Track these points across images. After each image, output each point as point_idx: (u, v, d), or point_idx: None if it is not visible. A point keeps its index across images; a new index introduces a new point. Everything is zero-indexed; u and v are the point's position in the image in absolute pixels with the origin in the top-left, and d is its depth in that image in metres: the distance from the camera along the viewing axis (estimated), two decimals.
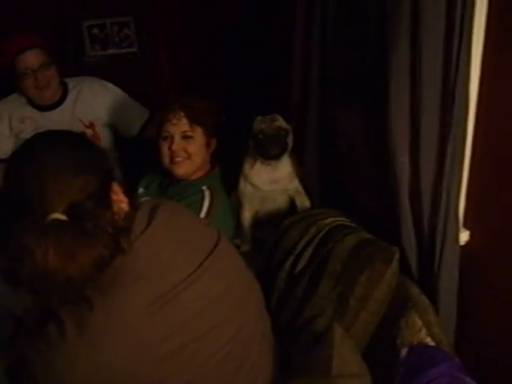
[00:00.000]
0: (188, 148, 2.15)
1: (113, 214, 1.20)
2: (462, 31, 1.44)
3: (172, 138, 2.15)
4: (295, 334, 1.64)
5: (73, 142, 1.28)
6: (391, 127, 1.64)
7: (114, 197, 1.24)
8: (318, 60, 2.14)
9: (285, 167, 2.27)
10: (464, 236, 1.72)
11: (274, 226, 2.08)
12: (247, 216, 2.34)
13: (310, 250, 1.79)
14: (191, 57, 3.55)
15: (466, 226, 1.73)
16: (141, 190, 2.37)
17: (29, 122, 2.64)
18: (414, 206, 1.69)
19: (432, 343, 1.49)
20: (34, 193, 1.14)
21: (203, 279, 1.26)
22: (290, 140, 2.21)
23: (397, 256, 1.60)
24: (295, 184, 2.31)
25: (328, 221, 1.86)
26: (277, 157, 2.21)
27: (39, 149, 1.22)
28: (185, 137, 2.16)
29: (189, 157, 2.17)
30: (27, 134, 2.43)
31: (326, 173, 2.28)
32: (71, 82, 2.73)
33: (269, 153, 2.19)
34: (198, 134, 2.18)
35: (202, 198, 2.11)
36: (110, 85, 2.78)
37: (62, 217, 1.10)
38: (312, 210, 2.10)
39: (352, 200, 2.11)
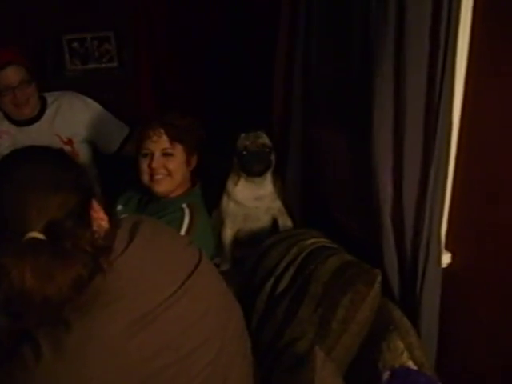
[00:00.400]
0: (168, 165, 2.13)
1: (92, 232, 1.16)
2: (446, 51, 1.44)
3: (152, 155, 2.13)
4: (276, 356, 1.62)
5: (52, 158, 1.25)
6: (374, 148, 1.64)
7: (94, 214, 1.21)
8: (300, 79, 2.14)
9: (268, 185, 2.28)
10: (446, 258, 1.72)
11: (255, 245, 2.07)
12: (228, 234, 2.32)
13: (291, 271, 1.77)
14: (172, 72, 3.53)
15: (447, 248, 1.73)
16: (119, 207, 2.34)
17: (6, 136, 2.59)
18: (397, 227, 1.68)
19: (414, 367, 1.47)
20: (11, 210, 1.11)
21: (184, 300, 1.24)
22: (273, 158, 2.21)
23: (379, 278, 1.59)
24: (278, 203, 2.31)
25: (309, 242, 1.85)
26: (260, 174, 2.21)
27: (17, 164, 1.19)
28: (165, 154, 2.13)
29: (169, 174, 2.14)
30: (4, 148, 2.38)
31: (308, 192, 2.27)
32: (50, 97, 2.70)
33: (252, 170, 2.19)
34: (179, 151, 2.15)
35: (182, 216, 2.08)
36: (89, 100, 2.75)
37: (40, 236, 1.07)
38: (293, 230, 2.09)
39: (334, 220, 2.11)
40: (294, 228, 2.26)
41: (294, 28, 2.11)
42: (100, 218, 1.22)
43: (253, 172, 2.20)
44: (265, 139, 2.20)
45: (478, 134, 1.59)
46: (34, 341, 1.09)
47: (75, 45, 3.49)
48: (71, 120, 2.68)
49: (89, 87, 3.01)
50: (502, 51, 1.45)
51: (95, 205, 1.22)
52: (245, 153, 2.18)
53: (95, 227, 1.20)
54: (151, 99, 3.53)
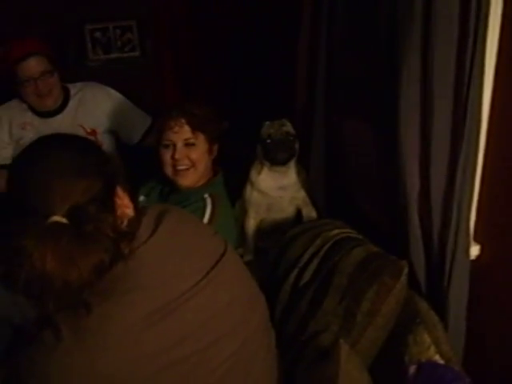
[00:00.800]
0: (191, 155, 2.11)
1: (115, 218, 1.16)
2: (476, 42, 1.40)
3: (174, 145, 2.11)
4: (300, 348, 1.60)
5: (77, 144, 1.25)
6: (401, 139, 1.61)
7: (119, 201, 1.20)
8: (323, 68, 2.11)
9: (292, 174, 2.25)
10: (474, 250, 1.68)
11: (279, 236, 2.04)
12: (252, 224, 2.30)
13: (315, 263, 1.75)
14: (194, 61, 3.53)
15: (476, 239, 1.69)
16: (141, 198, 2.33)
17: (29, 128, 2.60)
18: (424, 218, 1.65)
19: (441, 361, 1.44)
20: (35, 194, 1.11)
21: (208, 290, 1.23)
22: (297, 146, 2.19)
23: (406, 270, 1.56)
24: (302, 193, 2.29)
25: (334, 232, 1.82)
26: (284, 162, 2.19)
27: (43, 150, 1.20)
28: (187, 144, 2.11)
29: (193, 164, 2.12)
30: (28, 140, 2.34)
31: (332, 183, 2.25)
32: (73, 88, 2.70)
33: (276, 158, 2.17)
34: (201, 140, 2.13)
35: (204, 206, 2.06)
36: (112, 91, 2.75)
37: (63, 220, 1.07)
38: (317, 221, 2.06)
39: (358, 212, 2.09)
40: (318, 219, 2.23)
41: (317, 15, 2.08)
42: (124, 205, 1.22)
43: (277, 160, 2.17)
44: (289, 127, 2.17)
45: (507, 125, 1.54)
46: (55, 325, 1.09)
47: (97, 34, 3.49)
48: (94, 110, 2.68)
49: (111, 77, 3.01)
50: None
51: (120, 192, 1.22)
52: (269, 141, 2.15)
53: (119, 214, 1.19)
54: (174, 88, 3.52)
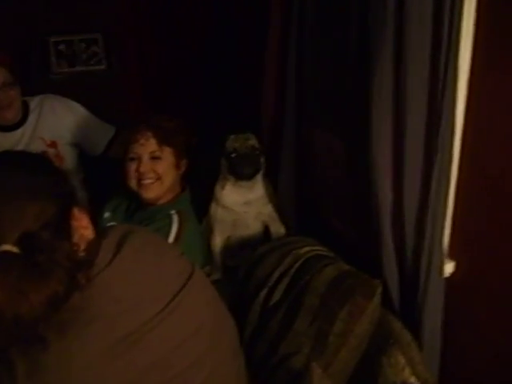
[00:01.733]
0: (157, 169, 2.06)
1: (72, 245, 1.08)
2: (449, 50, 1.37)
3: (140, 158, 2.06)
4: (270, 371, 1.57)
5: (28, 163, 1.16)
6: (373, 152, 1.58)
7: (76, 223, 1.13)
8: (293, 80, 2.08)
9: (258, 189, 2.22)
10: (449, 267, 1.64)
11: (247, 253, 1.99)
12: (218, 242, 2.26)
13: (285, 282, 1.71)
14: (160, 74, 3.50)
15: (451, 256, 1.65)
16: (107, 214, 2.27)
17: None
18: (397, 235, 1.62)
19: (417, 383, 1.41)
20: None
21: (172, 318, 1.16)
22: (262, 160, 2.16)
23: (379, 289, 1.52)
24: (269, 209, 2.25)
25: (304, 250, 1.78)
26: (250, 177, 2.15)
27: None
28: (153, 157, 2.06)
29: (158, 178, 2.07)
30: None
31: (302, 198, 2.21)
32: (32, 102, 2.64)
33: (242, 172, 2.13)
34: (167, 154, 2.08)
35: (170, 223, 2.00)
36: (72, 102, 2.70)
37: (13, 249, 0.98)
38: (287, 238, 2.02)
39: (329, 228, 2.04)
40: (288, 235, 2.19)
41: (286, 25, 2.06)
42: (83, 227, 1.14)
43: (242, 175, 2.14)
44: (254, 141, 2.14)
45: (482, 138, 1.51)
46: (10, 361, 1.02)
47: (62, 47, 3.41)
48: (54, 123, 2.62)
49: (76, 90, 2.96)
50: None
51: (77, 213, 1.14)
52: (234, 155, 2.12)
53: (76, 238, 1.11)
54: (140, 101, 3.48)
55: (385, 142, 1.55)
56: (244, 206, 2.21)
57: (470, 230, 1.60)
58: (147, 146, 2.06)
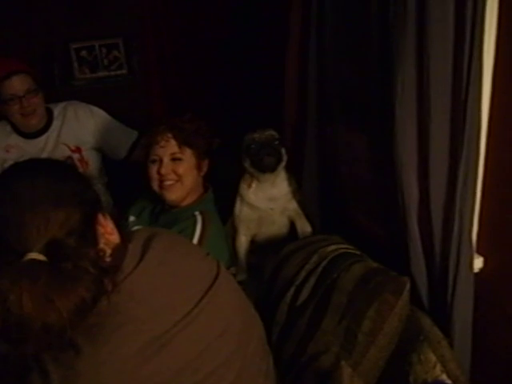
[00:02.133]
0: (178, 170, 2.07)
1: (97, 251, 1.10)
2: (472, 45, 1.34)
3: (161, 160, 2.07)
4: (299, 371, 1.56)
5: (52, 171, 1.17)
6: (398, 147, 1.56)
7: (101, 229, 1.14)
8: (315, 78, 2.06)
9: (282, 183, 2.20)
10: (478, 263, 1.62)
11: (273, 252, 1.98)
12: (243, 241, 2.25)
13: (312, 281, 1.69)
14: (182, 77, 3.51)
15: (479, 252, 1.63)
16: (132, 219, 2.29)
17: (14, 150, 2.59)
18: (424, 232, 1.59)
19: (448, 380, 1.39)
20: (9, 229, 1.03)
21: (201, 319, 1.17)
22: (284, 151, 2.14)
23: (408, 286, 1.50)
24: (294, 205, 2.23)
25: (331, 248, 1.77)
26: (272, 167, 2.13)
27: (15, 180, 1.12)
28: (174, 159, 2.08)
29: (179, 179, 2.08)
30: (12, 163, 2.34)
31: (327, 196, 2.19)
32: (56, 108, 2.69)
33: (263, 162, 2.11)
34: (188, 155, 2.09)
35: (194, 224, 2.01)
36: (95, 108, 2.74)
37: (40, 257, 0.99)
38: (313, 237, 2.01)
39: (355, 226, 2.03)
40: (314, 233, 2.18)
41: (306, 24, 2.05)
42: (108, 233, 1.16)
43: (264, 165, 2.11)
44: (273, 132, 2.13)
45: (508, 132, 1.48)
46: (43, 368, 1.04)
47: (83, 53, 3.46)
48: (77, 129, 2.67)
49: (98, 95, 3.02)
50: None
51: (101, 219, 1.15)
52: (253, 146, 2.11)
53: (102, 244, 1.13)
54: (162, 105, 3.51)
55: (410, 139, 1.53)
56: (269, 202, 2.20)
57: (498, 224, 1.57)
58: (168, 147, 2.07)
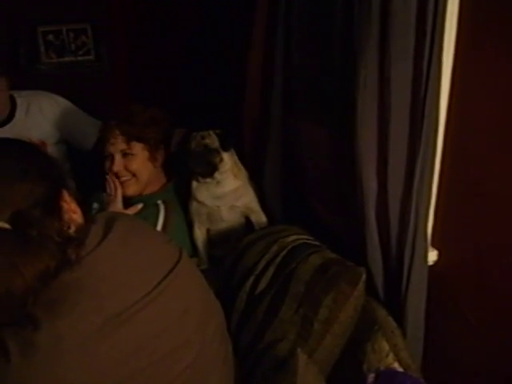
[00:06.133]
0: (130, 166, 2.06)
1: (62, 223, 1.11)
2: (433, 43, 1.38)
3: (112, 157, 2.05)
4: (256, 358, 1.58)
5: (18, 148, 1.18)
6: (358, 142, 1.58)
7: (65, 205, 1.15)
8: (280, 70, 2.07)
9: (228, 184, 2.18)
10: (432, 256, 1.66)
11: (230, 244, 1.99)
12: (198, 234, 2.25)
13: (271, 270, 1.72)
14: (148, 65, 3.48)
15: (433, 245, 1.67)
16: (95, 205, 2.27)
17: None
18: (381, 224, 1.63)
19: (400, 369, 1.43)
20: None
21: (161, 300, 1.18)
22: (219, 158, 2.11)
23: (364, 277, 1.54)
24: (244, 201, 2.22)
25: (290, 239, 1.79)
26: (205, 175, 2.12)
27: None
28: (125, 154, 2.05)
29: (133, 175, 2.07)
30: None
31: (288, 188, 2.21)
32: (19, 97, 2.62)
33: (195, 170, 2.11)
34: (139, 150, 2.08)
35: (157, 213, 2.02)
36: (60, 99, 2.69)
37: (5, 225, 1.01)
38: (273, 227, 2.02)
39: (315, 217, 2.05)
40: (270, 224, 2.19)
41: (271, 22, 2.06)
42: (71, 210, 1.16)
43: (197, 173, 2.12)
44: (210, 140, 2.10)
45: (465, 128, 1.53)
46: (2, 343, 1.03)
47: (50, 37, 3.40)
48: (42, 122, 2.61)
49: (65, 81, 2.95)
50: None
51: (66, 196, 1.16)
52: (189, 153, 2.09)
53: (66, 219, 1.14)
54: (127, 92, 3.47)
55: (370, 134, 1.56)
56: (214, 200, 2.18)
57: (453, 219, 1.62)
58: (117, 144, 2.05)
